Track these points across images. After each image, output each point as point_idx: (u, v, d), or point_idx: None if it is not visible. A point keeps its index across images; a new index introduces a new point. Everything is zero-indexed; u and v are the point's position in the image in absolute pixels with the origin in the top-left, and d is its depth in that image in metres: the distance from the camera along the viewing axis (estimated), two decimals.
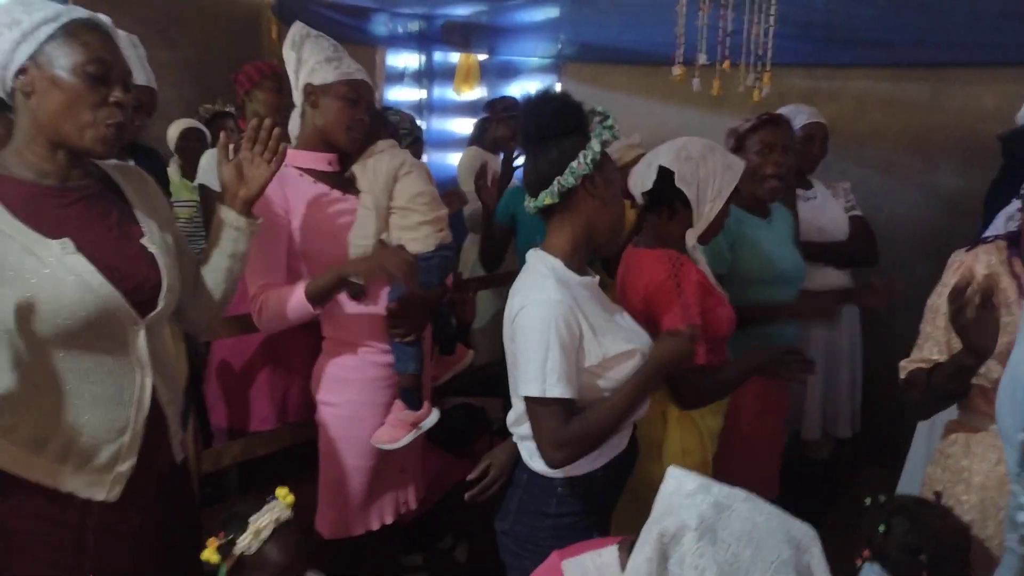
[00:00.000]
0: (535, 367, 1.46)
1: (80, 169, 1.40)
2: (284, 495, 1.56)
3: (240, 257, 1.62)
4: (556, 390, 1.45)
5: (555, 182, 1.55)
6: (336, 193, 1.98)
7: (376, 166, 2.00)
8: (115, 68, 1.34)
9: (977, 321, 1.41)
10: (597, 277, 1.69)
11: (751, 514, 1.00)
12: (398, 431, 1.99)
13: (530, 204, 1.62)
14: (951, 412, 1.74)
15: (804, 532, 1.02)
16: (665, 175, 1.90)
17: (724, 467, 1.98)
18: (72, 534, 1.40)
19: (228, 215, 1.60)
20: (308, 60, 1.95)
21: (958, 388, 1.56)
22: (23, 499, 1.37)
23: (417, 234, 2.00)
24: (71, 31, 1.31)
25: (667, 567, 1.00)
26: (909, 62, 3.27)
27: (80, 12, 1.33)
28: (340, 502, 2.05)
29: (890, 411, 2.30)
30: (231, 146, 1.64)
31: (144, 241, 1.44)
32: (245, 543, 1.47)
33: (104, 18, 1.38)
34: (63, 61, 1.29)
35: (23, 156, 1.35)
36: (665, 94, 3.75)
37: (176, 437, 1.54)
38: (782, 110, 2.92)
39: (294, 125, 2.03)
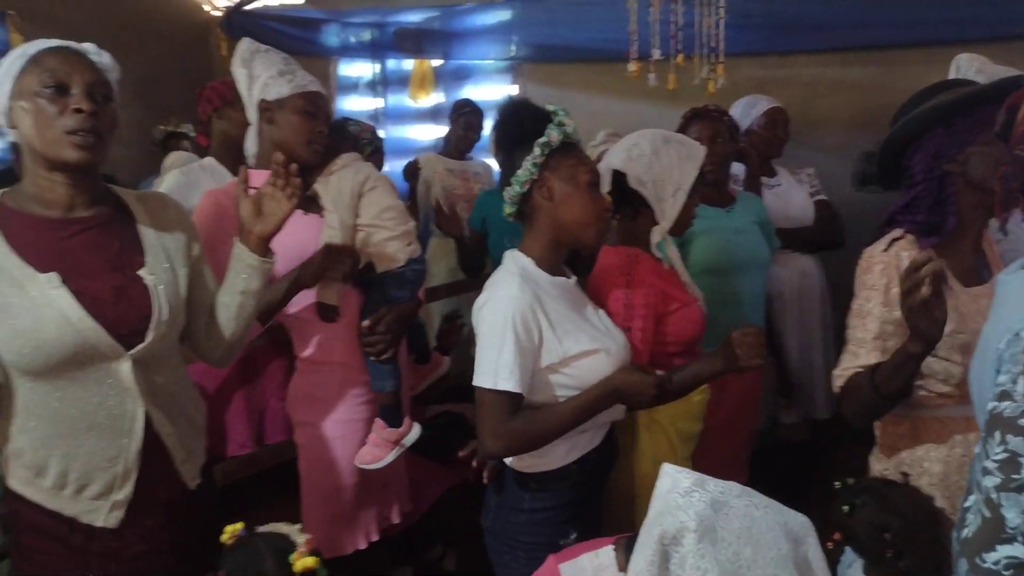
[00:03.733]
0: (490, 360, 1.50)
1: (87, 196, 1.42)
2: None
3: (252, 294, 1.61)
4: (507, 384, 1.49)
5: (505, 193, 1.61)
6: (298, 212, 1.94)
7: (339, 183, 1.96)
8: (74, 78, 1.35)
9: (925, 305, 1.34)
10: (574, 278, 1.70)
11: (748, 510, 1.00)
12: (380, 450, 1.97)
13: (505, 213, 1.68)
14: None
15: (800, 524, 1.02)
16: (619, 177, 1.85)
17: (699, 455, 1.96)
18: (76, 556, 1.44)
19: (241, 252, 1.59)
20: (260, 76, 1.92)
21: (904, 383, 1.49)
22: (36, 518, 1.44)
23: (386, 250, 1.98)
24: (36, 59, 1.35)
25: (668, 567, 1.00)
26: (856, 45, 3.32)
27: (46, 43, 1.38)
28: (325, 522, 2.02)
29: None
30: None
31: (142, 272, 1.45)
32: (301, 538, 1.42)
33: (79, 45, 1.40)
34: (30, 87, 1.34)
35: (30, 189, 1.40)
36: (622, 90, 3.76)
37: (185, 466, 1.55)
38: (739, 102, 2.97)
39: (251, 144, 1.99)
